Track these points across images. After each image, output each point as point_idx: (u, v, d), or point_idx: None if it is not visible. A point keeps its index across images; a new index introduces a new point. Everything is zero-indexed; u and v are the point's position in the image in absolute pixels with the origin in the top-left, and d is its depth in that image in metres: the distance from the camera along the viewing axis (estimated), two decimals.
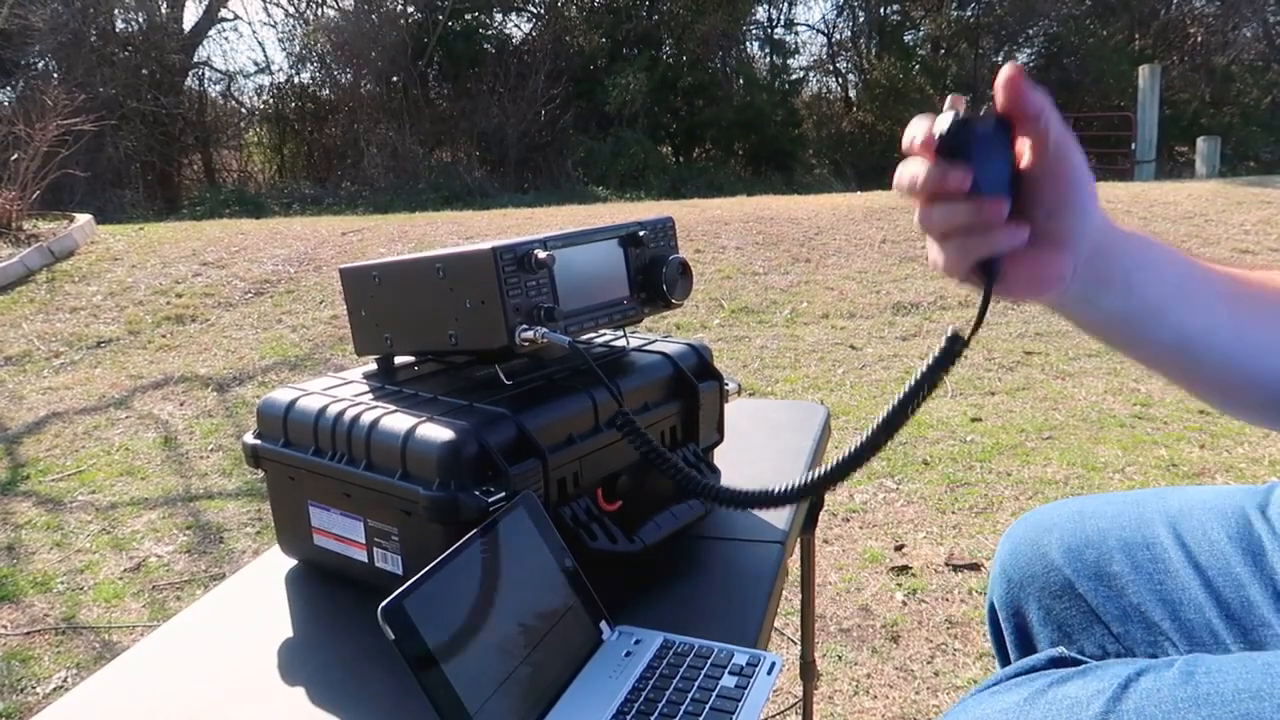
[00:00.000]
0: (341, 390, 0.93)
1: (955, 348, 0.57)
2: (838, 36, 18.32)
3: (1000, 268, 0.56)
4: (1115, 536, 0.81)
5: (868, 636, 2.01)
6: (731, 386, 1.06)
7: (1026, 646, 0.85)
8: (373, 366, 1.01)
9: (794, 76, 17.35)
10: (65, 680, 1.94)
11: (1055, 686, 0.58)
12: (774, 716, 1.74)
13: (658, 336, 1.08)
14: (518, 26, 16.49)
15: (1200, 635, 0.72)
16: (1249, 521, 0.75)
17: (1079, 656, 0.64)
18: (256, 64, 25.30)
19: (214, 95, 15.52)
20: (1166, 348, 0.63)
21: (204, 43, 15.02)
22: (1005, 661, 0.88)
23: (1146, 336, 0.62)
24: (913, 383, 0.58)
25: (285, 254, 5.87)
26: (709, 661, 0.73)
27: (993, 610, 0.89)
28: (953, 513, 2.59)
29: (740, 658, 0.73)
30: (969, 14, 17.04)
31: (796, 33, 18.48)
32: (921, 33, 17.65)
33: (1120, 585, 0.78)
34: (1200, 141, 10.71)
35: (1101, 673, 0.58)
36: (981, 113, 0.55)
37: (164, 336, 4.64)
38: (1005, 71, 0.55)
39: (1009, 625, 0.86)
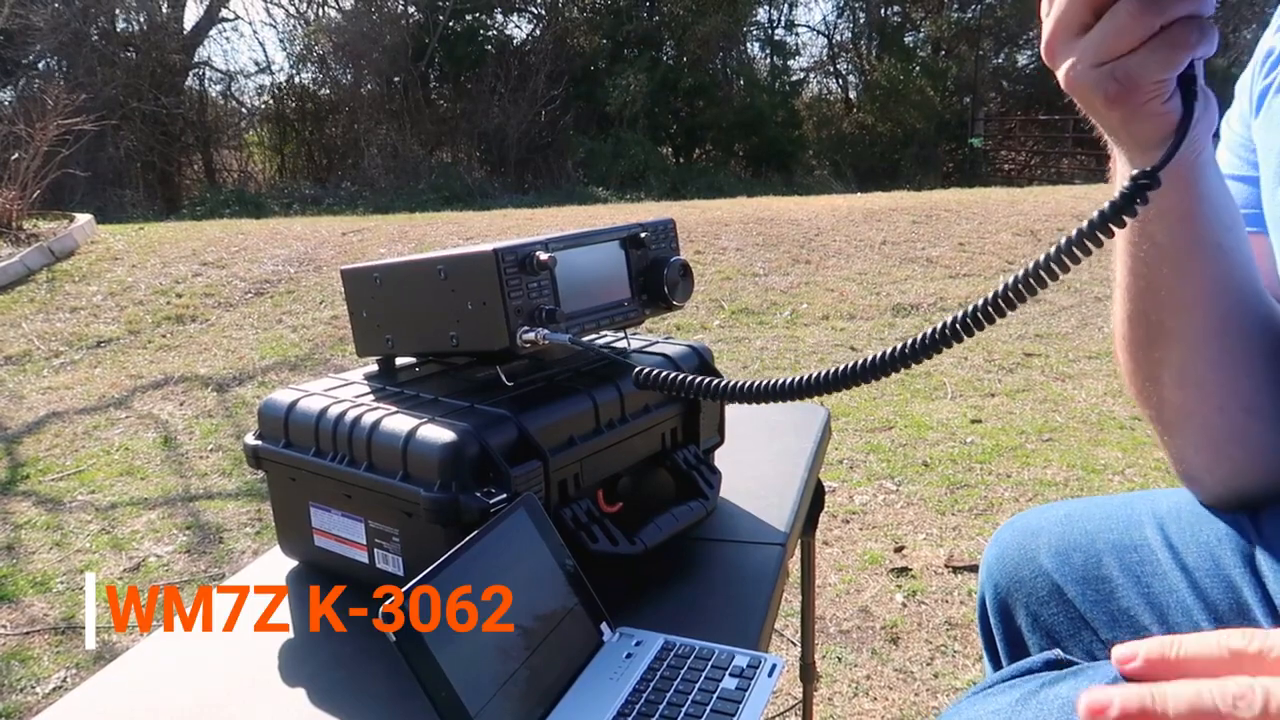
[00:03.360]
0: (343, 391, 0.93)
1: (1143, 185, 0.50)
2: (838, 38, 18.36)
3: (1196, 78, 0.52)
4: (1104, 539, 0.80)
5: (867, 638, 2.01)
6: None
7: (1018, 652, 0.84)
8: (374, 367, 1.01)
9: (794, 78, 17.37)
10: (65, 680, 1.94)
11: (1047, 687, 0.58)
12: (774, 718, 1.74)
13: (658, 338, 1.08)
14: (518, 27, 16.53)
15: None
16: (1238, 522, 0.75)
17: (1073, 659, 0.64)
18: (257, 64, 25.33)
19: (214, 95, 15.56)
20: (1217, 252, 0.63)
21: (205, 42, 15.05)
22: (997, 666, 0.88)
23: (1223, 240, 0.62)
24: (1079, 230, 0.50)
25: (285, 254, 5.87)
26: (710, 663, 0.73)
27: (983, 616, 0.89)
28: (952, 514, 2.59)
29: (741, 660, 0.73)
30: (969, 16, 17.06)
31: (797, 34, 18.54)
32: (922, 34, 17.67)
33: (1109, 589, 0.77)
34: None
35: (1093, 673, 0.58)
36: None
37: (164, 336, 4.64)
38: None
39: (999, 630, 0.86)
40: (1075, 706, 0.55)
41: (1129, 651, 0.48)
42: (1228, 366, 0.67)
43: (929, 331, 0.55)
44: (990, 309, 0.53)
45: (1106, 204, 0.50)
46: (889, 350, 0.58)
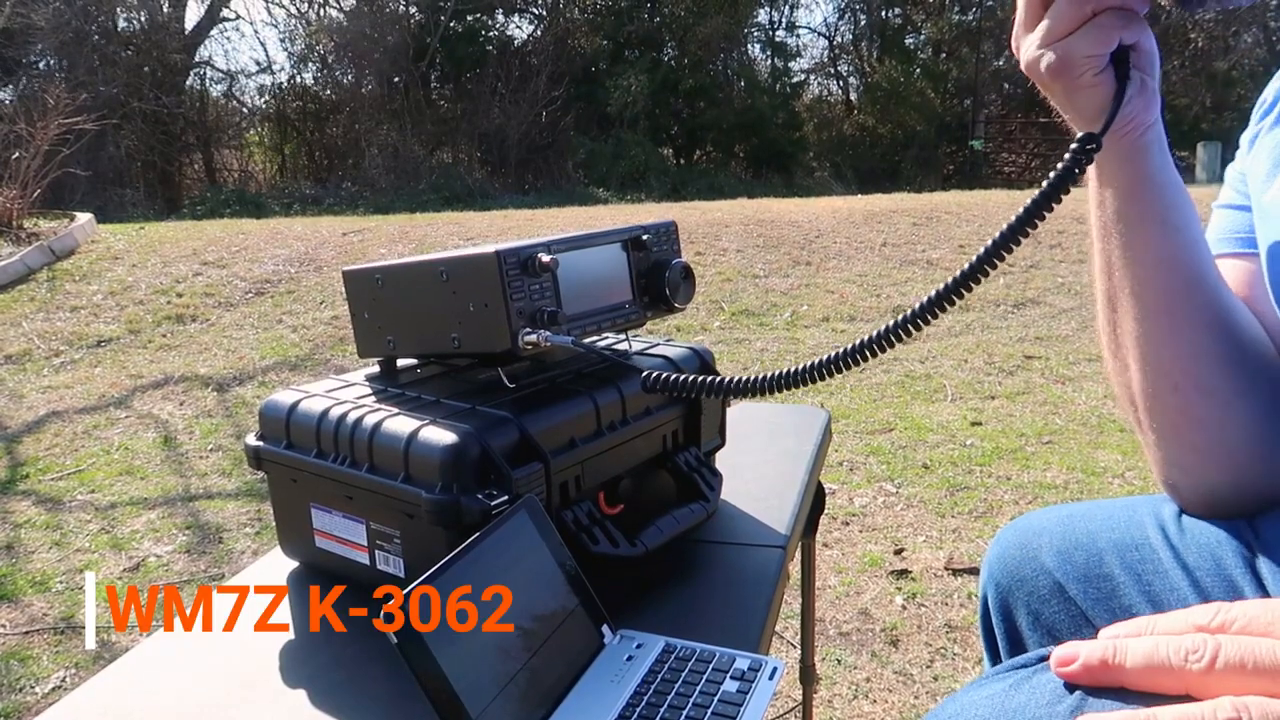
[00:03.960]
0: (344, 392, 0.93)
1: (1087, 147, 0.59)
2: (839, 39, 18.36)
3: (1131, 60, 0.61)
4: (1105, 538, 0.81)
5: (867, 640, 2.01)
6: None
7: (1018, 650, 0.84)
8: (375, 369, 1.01)
9: (795, 79, 17.37)
10: (64, 680, 1.94)
11: (1040, 673, 0.59)
12: None
13: (659, 340, 1.08)
14: (519, 28, 16.53)
15: None
16: (1237, 528, 0.75)
17: None
18: (258, 64, 25.31)
19: (215, 95, 15.54)
20: (1174, 232, 0.70)
21: (206, 42, 15.04)
22: (997, 661, 0.88)
23: (1168, 217, 0.69)
24: (1041, 192, 0.59)
25: (286, 254, 5.87)
26: (710, 666, 0.73)
27: (985, 614, 0.89)
28: (952, 517, 2.59)
29: (742, 662, 0.73)
30: (970, 18, 17.07)
31: (798, 35, 18.57)
32: (922, 36, 17.67)
33: (1110, 587, 0.78)
34: (1200, 147, 10.73)
35: None
36: None
37: (164, 336, 4.64)
38: None
39: (1000, 630, 0.86)
40: (1067, 689, 0.55)
41: (1117, 630, 0.52)
42: (1176, 344, 0.71)
43: (924, 300, 0.61)
44: (974, 273, 0.59)
45: (1059, 165, 0.59)
46: (892, 322, 0.63)
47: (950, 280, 0.60)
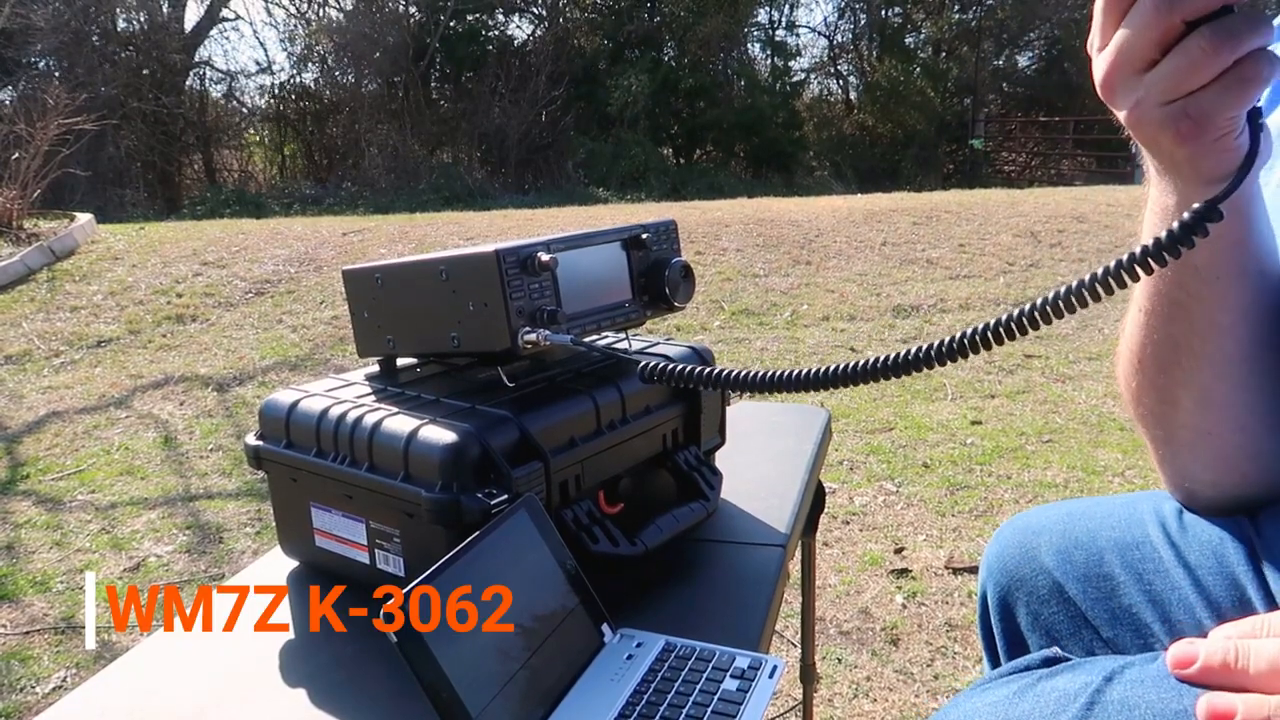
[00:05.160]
0: (344, 392, 0.93)
1: (1206, 220, 0.48)
2: (839, 39, 18.36)
3: (1261, 113, 0.51)
4: (1105, 537, 0.80)
5: (867, 639, 2.01)
6: None
7: (1018, 651, 0.84)
8: (375, 368, 1.01)
9: (795, 79, 17.36)
10: (64, 680, 1.94)
11: (1044, 680, 0.58)
12: (774, 719, 1.74)
13: (659, 339, 1.08)
14: (519, 28, 16.52)
15: (1189, 635, 0.72)
16: (1238, 523, 0.75)
17: (1071, 656, 0.64)
18: (258, 64, 25.34)
19: (215, 95, 15.54)
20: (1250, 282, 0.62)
21: (205, 42, 15.05)
22: (997, 666, 0.88)
23: (1264, 267, 0.62)
24: (1141, 250, 0.48)
25: (286, 254, 5.87)
26: (711, 665, 0.73)
27: (984, 614, 0.89)
28: (952, 515, 2.59)
29: (742, 661, 0.73)
30: (970, 17, 17.06)
31: (798, 35, 18.57)
32: (922, 35, 17.67)
33: (1111, 586, 0.77)
34: None
35: (1090, 666, 0.58)
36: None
37: (164, 336, 4.64)
38: None
39: (1000, 629, 0.86)
40: (1071, 698, 0.55)
41: (1230, 631, 0.49)
42: (1254, 389, 0.66)
43: (967, 331, 0.53)
44: (1028, 319, 0.51)
45: (1164, 232, 0.49)
46: (911, 350, 0.56)
47: (978, 329, 0.53)
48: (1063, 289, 0.50)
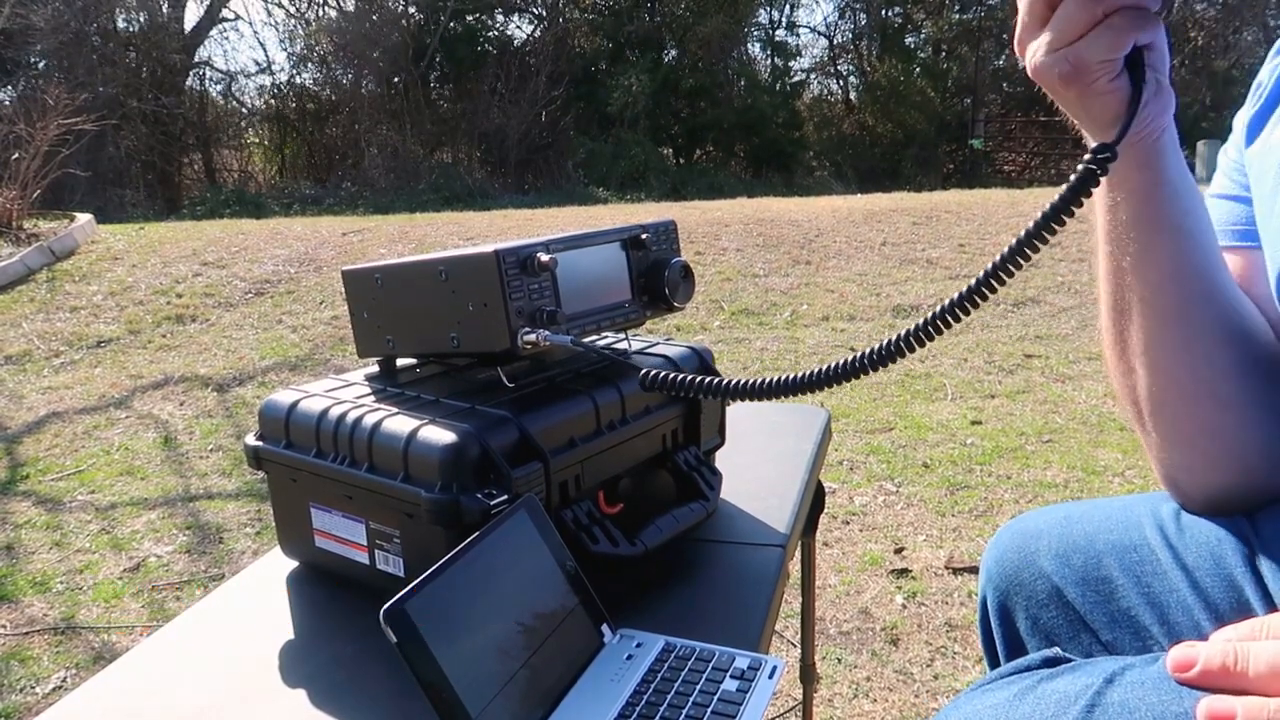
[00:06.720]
0: (343, 392, 0.93)
1: (1101, 156, 0.57)
2: (839, 39, 18.35)
3: (1145, 62, 0.59)
4: (1104, 540, 0.80)
5: (867, 639, 2.01)
6: None
7: (1017, 654, 0.84)
8: (374, 368, 1.01)
9: (795, 79, 17.36)
10: (64, 680, 1.94)
11: (1045, 682, 0.58)
12: (773, 719, 1.74)
13: (659, 339, 1.08)
14: (519, 28, 16.52)
15: (1188, 638, 0.72)
16: (1237, 524, 0.75)
17: (1071, 656, 0.64)
18: (258, 64, 25.33)
19: (215, 95, 15.54)
20: (1185, 235, 0.68)
21: (205, 42, 15.04)
22: (996, 666, 0.88)
23: (1184, 223, 0.67)
24: (1053, 204, 0.56)
25: (285, 254, 5.87)
26: (710, 665, 0.73)
27: (984, 618, 0.89)
28: (952, 516, 2.59)
29: (742, 661, 0.73)
30: (970, 17, 17.05)
31: (798, 35, 18.56)
32: (923, 35, 17.67)
33: (1109, 589, 0.77)
34: (1201, 145, 10.70)
35: (1090, 668, 0.58)
36: None
37: (164, 336, 4.64)
38: None
39: (999, 632, 0.86)
40: (1072, 700, 0.55)
41: (1230, 634, 0.52)
42: (1189, 352, 0.70)
43: (936, 310, 0.60)
44: (985, 284, 0.58)
45: (1073, 176, 0.57)
46: (897, 335, 0.61)
47: (960, 292, 0.59)
48: (1002, 250, 0.58)
